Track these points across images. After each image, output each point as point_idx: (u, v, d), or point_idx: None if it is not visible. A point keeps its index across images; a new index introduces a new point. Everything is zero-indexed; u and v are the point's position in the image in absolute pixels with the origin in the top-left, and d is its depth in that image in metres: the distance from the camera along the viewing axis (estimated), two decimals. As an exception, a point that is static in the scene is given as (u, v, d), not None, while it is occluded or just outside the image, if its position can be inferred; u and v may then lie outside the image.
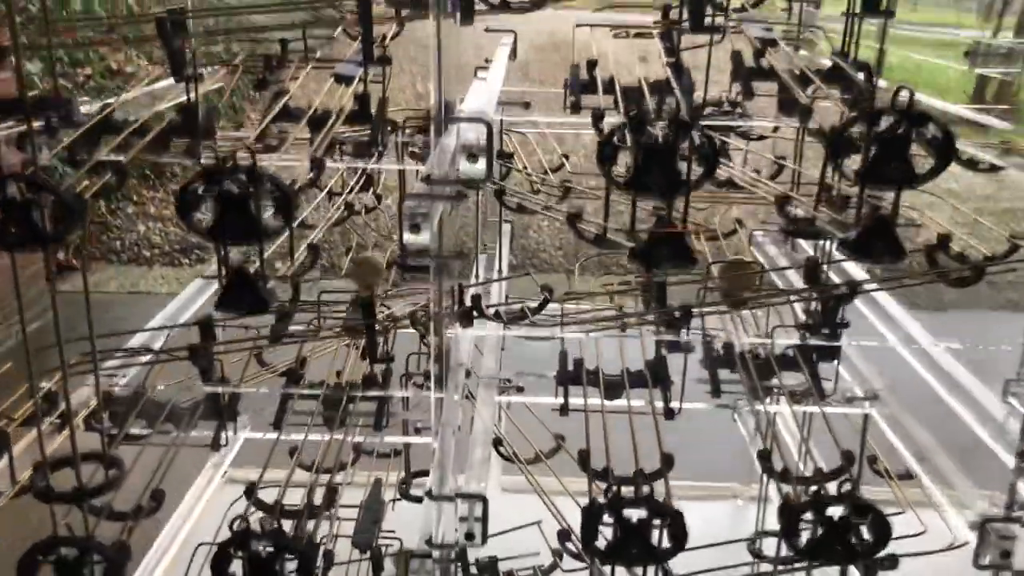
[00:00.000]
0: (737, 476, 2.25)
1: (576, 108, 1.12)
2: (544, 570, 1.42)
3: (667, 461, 1.11)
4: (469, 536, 1.01)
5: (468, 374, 1.37)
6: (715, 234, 1.69)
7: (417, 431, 1.50)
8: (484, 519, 1.02)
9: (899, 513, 1.38)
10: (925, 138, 0.85)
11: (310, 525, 1.09)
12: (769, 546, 1.39)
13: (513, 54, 1.38)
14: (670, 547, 1.02)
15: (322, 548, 1.09)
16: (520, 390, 1.38)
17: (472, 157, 0.85)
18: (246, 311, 0.92)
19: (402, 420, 1.47)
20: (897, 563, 1.31)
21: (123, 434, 1.21)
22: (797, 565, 1.33)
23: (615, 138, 0.88)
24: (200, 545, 1.65)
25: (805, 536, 1.03)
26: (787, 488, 1.06)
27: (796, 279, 1.52)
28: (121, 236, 4.80)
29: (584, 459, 1.11)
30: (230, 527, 1.03)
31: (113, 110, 1.17)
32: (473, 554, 1.38)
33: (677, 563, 1.11)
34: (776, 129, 1.54)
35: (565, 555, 1.32)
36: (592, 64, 1.12)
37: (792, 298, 1.34)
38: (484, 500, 1.01)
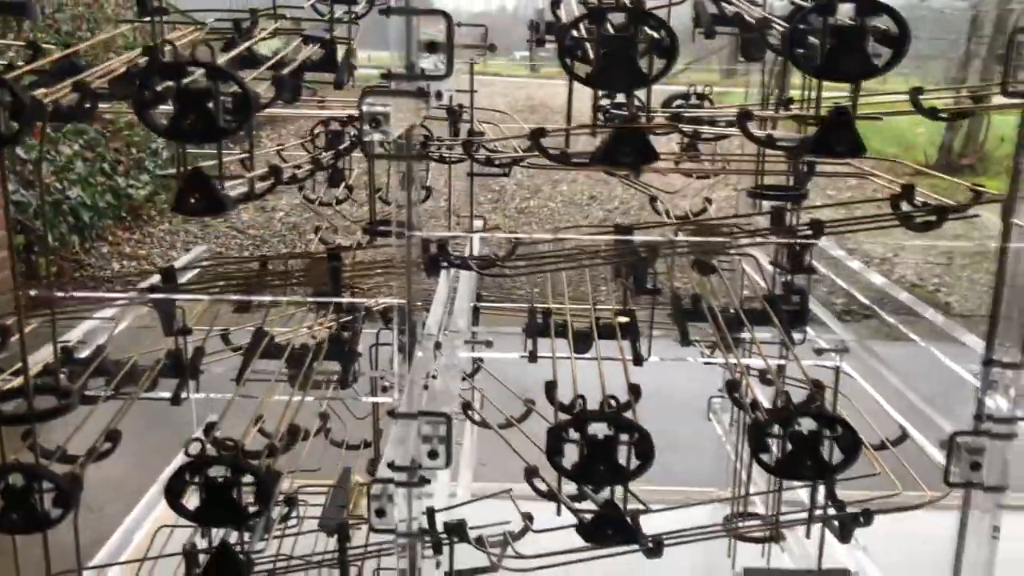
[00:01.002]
0: (717, 482, 2.24)
1: (541, 43, 1.13)
2: (515, 535, 1.38)
3: (634, 391, 1.10)
4: (432, 454, 0.99)
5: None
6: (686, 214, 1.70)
7: (384, 390, 1.47)
8: (448, 439, 1.00)
9: (875, 474, 1.37)
10: (880, 31, 0.86)
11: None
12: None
13: None
14: (637, 466, 1.00)
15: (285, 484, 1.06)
16: (489, 344, 1.37)
17: (431, 48, 0.85)
18: (202, 212, 0.91)
19: (370, 378, 1.45)
20: (872, 519, 1.29)
21: (84, 380, 1.18)
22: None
23: (575, 31, 0.89)
24: (161, 527, 1.61)
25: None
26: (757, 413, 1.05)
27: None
28: (94, 274, 4.77)
29: (550, 390, 1.09)
30: (186, 452, 1.00)
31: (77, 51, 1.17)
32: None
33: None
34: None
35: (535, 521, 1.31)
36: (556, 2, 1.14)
37: (758, 240, 1.34)
38: (448, 418, 0.99)
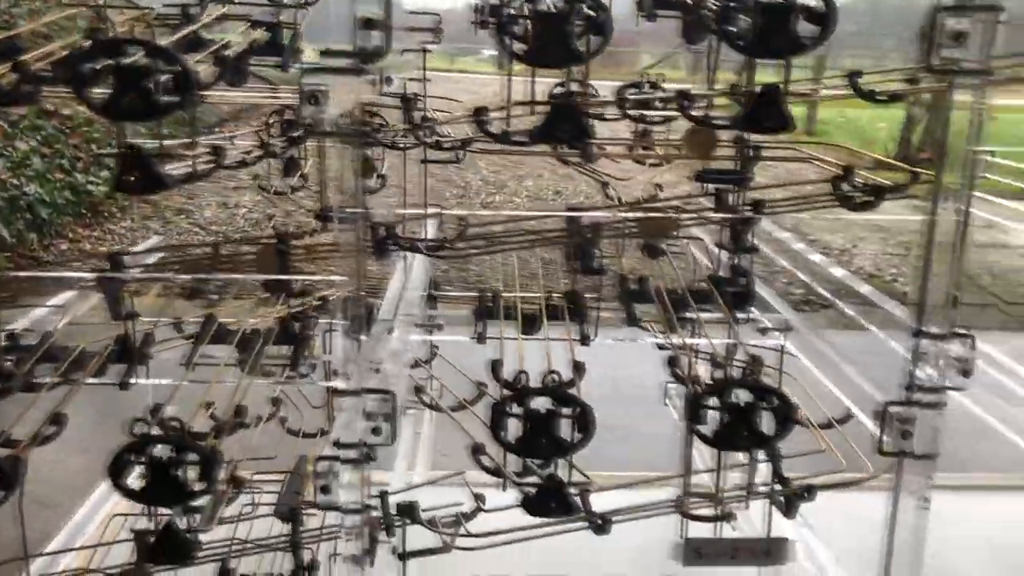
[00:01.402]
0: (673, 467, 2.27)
1: (484, 24, 1.15)
2: (467, 515, 1.40)
3: (578, 368, 1.12)
4: (376, 431, 1.00)
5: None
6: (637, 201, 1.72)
7: (335, 374, 1.48)
8: (393, 416, 1.01)
9: (820, 451, 1.40)
10: (808, 7, 0.88)
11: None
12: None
13: None
14: (578, 439, 1.02)
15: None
16: (440, 327, 1.38)
17: (369, 25, 0.86)
18: (140, 191, 0.92)
19: (322, 362, 1.45)
20: (815, 494, 1.32)
21: (29, 365, 1.18)
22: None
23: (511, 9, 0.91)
24: (115, 516, 1.61)
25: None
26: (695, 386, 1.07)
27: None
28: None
29: (495, 368, 1.11)
30: (131, 432, 1.00)
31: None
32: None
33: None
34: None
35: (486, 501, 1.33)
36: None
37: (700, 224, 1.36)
38: (392, 396, 1.00)
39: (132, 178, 0.90)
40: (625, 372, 3.15)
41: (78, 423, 1.22)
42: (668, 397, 2.13)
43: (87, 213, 5.14)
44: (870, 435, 1.33)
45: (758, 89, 0.93)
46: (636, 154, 1.77)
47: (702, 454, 1.86)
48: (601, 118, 1.50)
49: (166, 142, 1.07)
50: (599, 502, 1.24)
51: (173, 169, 1.00)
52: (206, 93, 1.37)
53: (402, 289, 1.53)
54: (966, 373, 0.99)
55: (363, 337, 1.24)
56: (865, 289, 1.59)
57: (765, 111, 0.91)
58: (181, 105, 0.89)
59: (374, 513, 1.43)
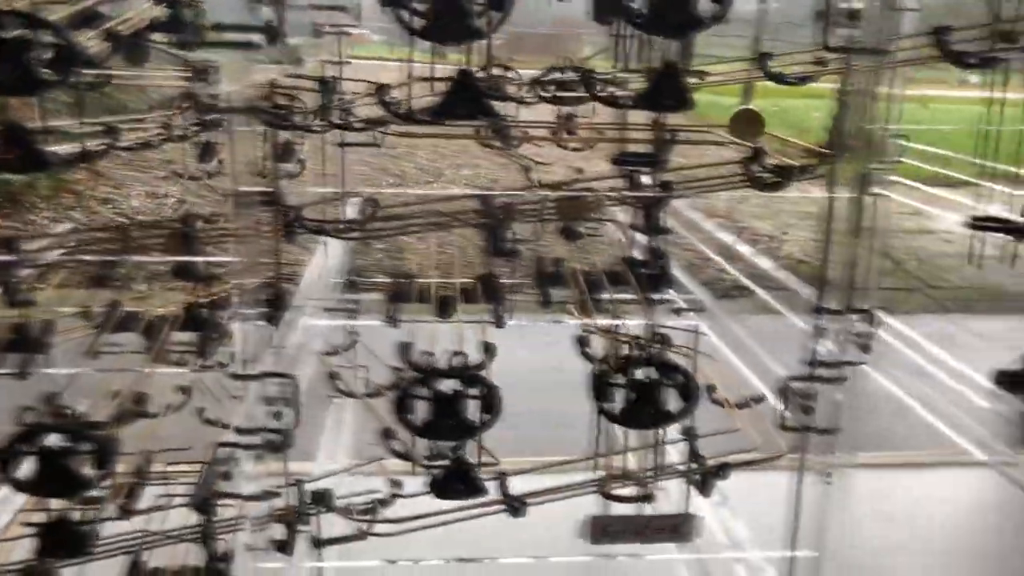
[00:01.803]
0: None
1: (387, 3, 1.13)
2: (383, 501, 1.38)
3: (488, 349, 1.11)
4: (277, 416, 0.98)
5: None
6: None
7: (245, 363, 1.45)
8: (295, 401, 0.99)
9: (736, 430, 1.42)
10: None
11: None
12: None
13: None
14: (484, 420, 1.01)
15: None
16: (353, 312, 1.36)
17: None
18: (20, 169, 0.88)
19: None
20: (728, 472, 1.34)
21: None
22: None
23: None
24: (23, 510, 1.56)
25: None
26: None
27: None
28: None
29: (404, 349, 1.09)
30: (21, 421, 0.97)
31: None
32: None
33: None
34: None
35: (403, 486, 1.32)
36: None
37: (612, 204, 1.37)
38: (294, 379, 0.98)
39: (11, 156, 0.86)
40: (550, 356, 3.16)
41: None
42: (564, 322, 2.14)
43: (5, 203, 4.97)
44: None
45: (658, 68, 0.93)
46: (558, 138, 1.77)
47: (628, 437, 1.88)
48: (521, 101, 1.50)
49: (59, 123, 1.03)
50: (522, 487, 1.24)
51: (63, 149, 0.97)
52: (115, 73, 1.34)
53: (319, 275, 1.51)
54: (866, 348, 1.01)
55: (263, 323, 1.21)
56: (782, 274, 1.61)
57: (664, 89, 0.91)
58: (64, 81, 0.86)
59: (291, 502, 1.42)
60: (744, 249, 1.76)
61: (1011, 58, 1.01)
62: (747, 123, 1.45)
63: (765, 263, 1.33)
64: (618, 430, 1.77)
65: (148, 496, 1.46)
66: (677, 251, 1.63)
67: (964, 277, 4.58)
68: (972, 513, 2.14)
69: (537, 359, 3.17)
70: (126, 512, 1.32)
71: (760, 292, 1.32)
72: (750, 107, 1.48)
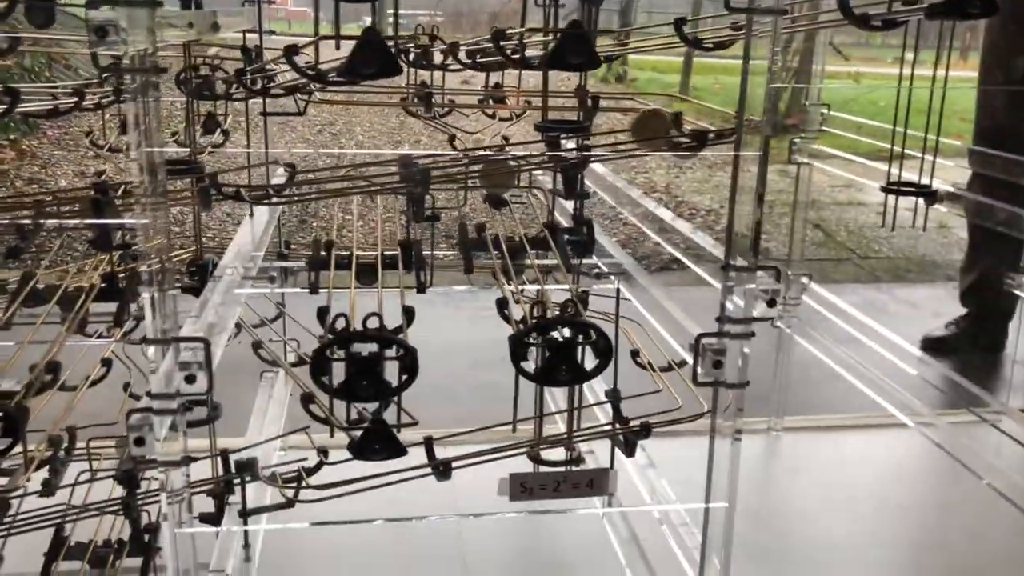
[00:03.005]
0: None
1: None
2: (309, 469, 1.38)
3: (407, 313, 1.12)
4: (190, 379, 0.97)
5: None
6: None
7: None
8: (208, 365, 0.98)
9: (658, 391, 1.45)
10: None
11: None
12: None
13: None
14: (402, 381, 1.02)
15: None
16: (272, 280, 1.35)
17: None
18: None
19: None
20: (650, 432, 1.36)
21: None
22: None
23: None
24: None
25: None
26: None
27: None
28: None
29: (322, 314, 1.09)
30: (-77, 389, 0.95)
31: None
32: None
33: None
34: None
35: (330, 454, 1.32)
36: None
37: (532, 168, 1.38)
38: (206, 343, 0.98)
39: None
40: (475, 327, 3.18)
41: None
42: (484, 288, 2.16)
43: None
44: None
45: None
46: (485, 107, 1.78)
47: (555, 402, 1.90)
48: (445, 68, 1.50)
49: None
50: (450, 454, 1.25)
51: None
52: (21, 35, 1.30)
53: (244, 245, 1.49)
54: (772, 303, 1.04)
55: (172, 291, 1.20)
56: (703, 240, 1.64)
57: (572, 48, 0.92)
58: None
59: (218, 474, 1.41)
60: (681, 225, 1.79)
61: (911, 19, 1.04)
62: (653, 125, 1.45)
63: (685, 228, 1.35)
64: (548, 399, 1.80)
65: (72, 472, 1.45)
66: (616, 226, 1.66)
67: (894, 247, 4.71)
68: (891, 471, 2.22)
69: (461, 330, 3.20)
70: (48, 488, 1.31)
71: (679, 255, 1.35)
72: (656, 108, 1.49)
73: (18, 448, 1.06)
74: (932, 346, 2.99)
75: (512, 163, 1.38)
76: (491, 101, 1.77)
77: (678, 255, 1.28)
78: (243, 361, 1.86)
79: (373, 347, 1.03)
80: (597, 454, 1.72)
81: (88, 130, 1.82)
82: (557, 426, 1.80)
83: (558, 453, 1.66)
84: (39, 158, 5.42)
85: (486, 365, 3.02)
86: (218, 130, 1.81)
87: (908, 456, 2.30)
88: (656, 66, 11.12)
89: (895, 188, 1.63)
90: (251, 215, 1.64)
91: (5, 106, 1.00)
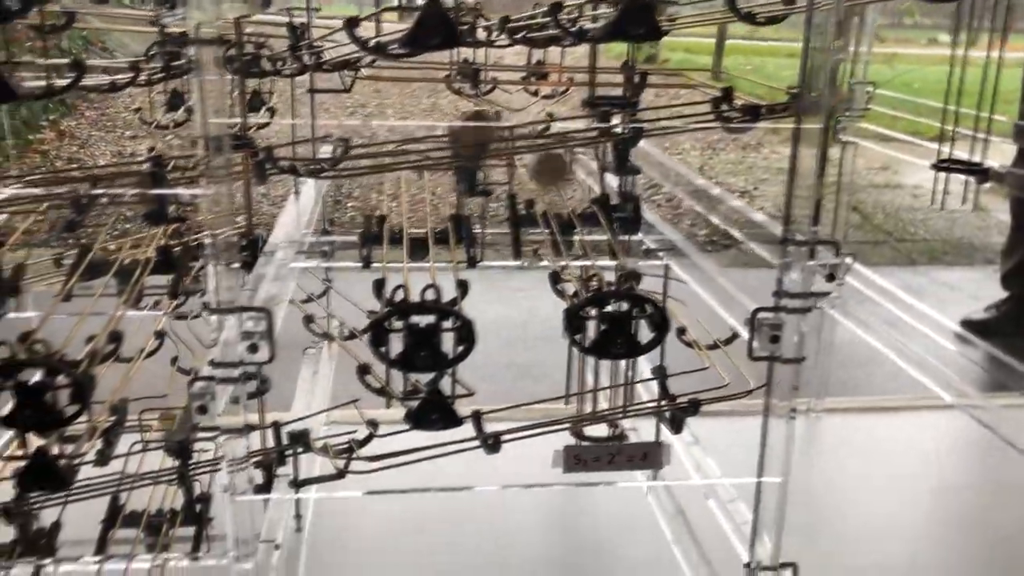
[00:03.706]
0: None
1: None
2: (360, 441, 1.40)
3: (461, 286, 1.12)
4: (253, 348, 0.99)
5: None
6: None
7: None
8: (270, 334, 1.00)
9: (705, 368, 1.45)
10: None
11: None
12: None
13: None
14: (459, 353, 1.03)
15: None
16: (325, 254, 1.37)
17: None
18: None
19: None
20: (698, 408, 1.36)
21: None
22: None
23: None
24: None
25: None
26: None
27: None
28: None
29: (378, 286, 1.10)
30: (-5, 357, 0.97)
31: None
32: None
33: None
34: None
35: (379, 426, 1.34)
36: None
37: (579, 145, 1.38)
38: (269, 313, 0.99)
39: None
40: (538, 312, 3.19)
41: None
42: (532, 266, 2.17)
43: None
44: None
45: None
46: (528, 83, 1.78)
47: (599, 378, 1.91)
48: (491, 44, 1.50)
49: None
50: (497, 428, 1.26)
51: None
52: (79, 11, 1.32)
53: (292, 220, 1.51)
54: (831, 277, 1.03)
55: (235, 264, 1.22)
56: (759, 217, 1.63)
57: (632, 20, 0.92)
58: (25, 9, 0.85)
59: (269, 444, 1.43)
60: (734, 203, 1.78)
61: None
62: (549, 169, 1.43)
63: (738, 204, 1.35)
64: (590, 375, 1.80)
65: (124, 444, 1.48)
66: (649, 208, 1.65)
67: (932, 230, 4.65)
68: (934, 452, 2.21)
69: (497, 310, 3.21)
70: (103, 458, 1.33)
71: (734, 232, 1.34)
72: (553, 153, 1.48)
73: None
74: (973, 329, 2.96)
75: (562, 138, 1.38)
76: (534, 78, 1.77)
77: (734, 232, 1.28)
78: (284, 338, 1.89)
79: (430, 319, 1.04)
80: (640, 432, 1.73)
81: (137, 107, 1.84)
82: (599, 404, 1.80)
83: (598, 430, 1.67)
84: (78, 139, 5.48)
85: (521, 344, 3.03)
86: (263, 108, 1.83)
87: (951, 437, 2.28)
88: (689, 47, 11.04)
89: (946, 166, 1.60)
90: (296, 193, 1.66)
91: (72, 79, 1.02)
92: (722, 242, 4.00)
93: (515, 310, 3.25)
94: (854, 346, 2.21)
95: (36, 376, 0.97)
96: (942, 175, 1.71)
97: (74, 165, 5.05)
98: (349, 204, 4.52)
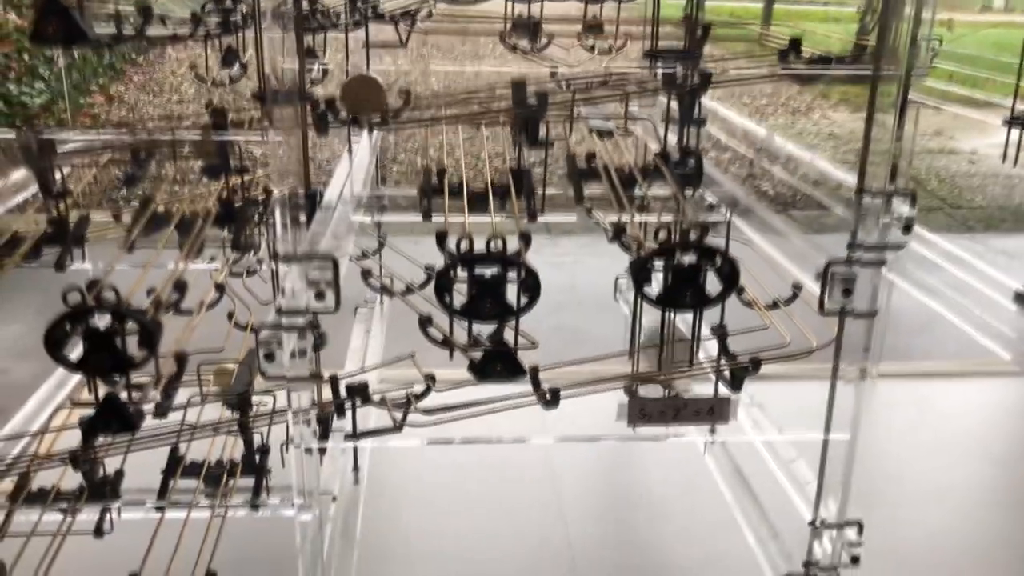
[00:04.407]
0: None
1: None
2: (417, 395, 1.40)
3: (525, 238, 1.11)
4: (319, 296, 0.98)
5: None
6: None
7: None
8: (335, 282, 0.99)
9: (765, 328, 1.42)
10: None
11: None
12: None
13: None
14: (525, 302, 1.02)
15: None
16: (383, 208, 1.36)
17: None
18: (62, 42, 0.87)
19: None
20: (759, 366, 1.34)
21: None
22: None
23: None
24: (65, 408, 1.59)
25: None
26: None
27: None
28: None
29: (440, 238, 1.09)
30: (65, 301, 0.97)
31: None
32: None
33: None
34: None
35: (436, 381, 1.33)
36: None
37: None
38: (334, 261, 0.99)
39: (50, 28, 0.85)
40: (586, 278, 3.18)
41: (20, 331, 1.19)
42: (619, 291, 2.14)
43: (21, 126, 4.96)
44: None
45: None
46: (584, 42, 1.75)
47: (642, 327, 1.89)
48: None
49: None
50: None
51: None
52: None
53: (349, 173, 1.50)
54: (908, 228, 1.00)
55: (301, 217, 1.21)
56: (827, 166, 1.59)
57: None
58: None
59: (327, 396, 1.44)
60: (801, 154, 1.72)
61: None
62: (361, 92, 1.38)
63: (806, 156, 1.31)
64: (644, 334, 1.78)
65: (181, 398, 1.49)
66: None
67: (989, 196, 4.54)
68: (990, 419, 2.16)
69: (553, 275, 3.19)
70: (161, 410, 1.35)
71: (801, 185, 1.31)
72: (365, 74, 1.42)
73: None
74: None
75: (615, 84, 1.36)
76: (589, 35, 1.74)
77: (803, 186, 1.24)
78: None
79: (494, 269, 1.02)
80: (695, 392, 1.71)
81: (192, 64, 1.84)
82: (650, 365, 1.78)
83: (652, 392, 1.65)
84: (126, 103, 5.54)
85: (566, 309, 3.02)
86: (316, 64, 1.82)
87: (1010, 404, 2.23)
88: (734, 12, 10.86)
89: (1021, 122, 1.55)
90: (349, 151, 1.65)
91: (138, 28, 1.01)
92: (785, 202, 3.93)
93: (563, 275, 3.23)
94: (909, 314, 2.16)
95: (105, 322, 0.98)
96: (1014, 134, 1.66)
97: (127, 123, 5.10)
98: (394, 169, 4.52)
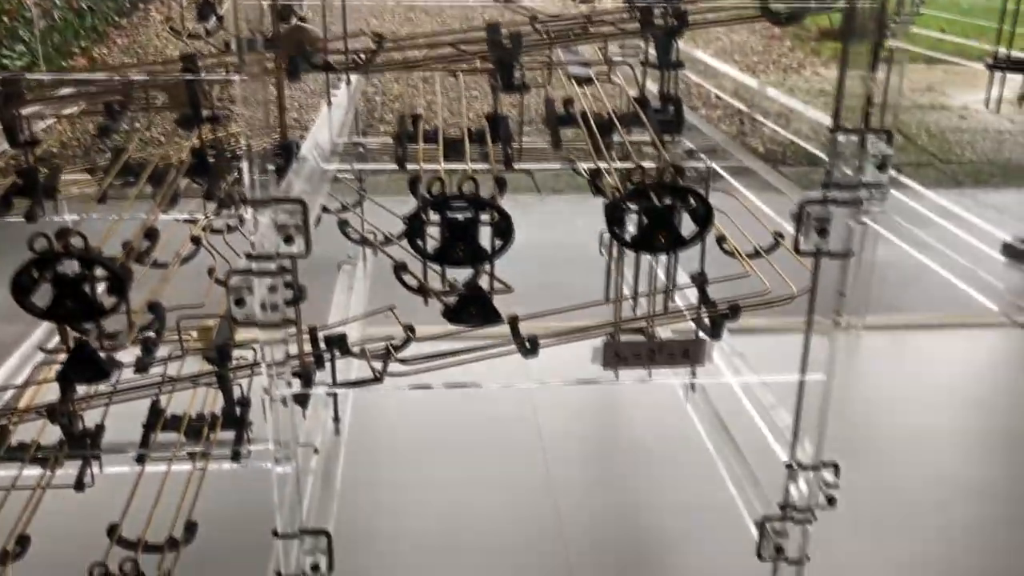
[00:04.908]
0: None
1: None
2: (397, 346, 1.40)
3: (499, 183, 1.10)
4: (288, 240, 0.97)
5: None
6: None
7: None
8: (306, 227, 0.98)
9: (746, 275, 1.41)
10: None
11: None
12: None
13: None
14: (500, 246, 1.01)
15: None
16: (361, 156, 1.34)
17: None
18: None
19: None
20: (739, 313, 1.34)
21: None
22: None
23: None
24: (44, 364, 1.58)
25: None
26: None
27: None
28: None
29: (413, 183, 1.08)
30: (31, 248, 0.96)
31: None
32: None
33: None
34: None
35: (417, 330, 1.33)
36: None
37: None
38: (303, 204, 0.98)
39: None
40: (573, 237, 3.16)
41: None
42: (604, 245, 2.13)
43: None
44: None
45: None
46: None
47: (637, 285, 1.88)
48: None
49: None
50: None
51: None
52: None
53: (327, 123, 1.48)
54: (882, 167, 0.99)
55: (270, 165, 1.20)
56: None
57: None
58: None
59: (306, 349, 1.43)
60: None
61: None
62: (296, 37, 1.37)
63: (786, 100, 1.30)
64: (626, 290, 1.78)
65: (163, 352, 1.49)
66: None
67: (979, 151, 4.52)
68: (972, 369, 2.17)
69: (526, 235, 3.18)
70: (142, 364, 1.34)
71: (777, 128, 1.30)
72: (300, 24, 1.42)
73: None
74: (1012, 252, 2.89)
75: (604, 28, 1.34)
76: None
77: (779, 129, 1.23)
78: (319, 257, 1.89)
79: (468, 213, 1.01)
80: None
81: (167, 17, 1.81)
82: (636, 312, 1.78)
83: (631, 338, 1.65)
84: (109, 66, 5.46)
85: (550, 266, 3.01)
86: (292, 17, 1.79)
87: (996, 355, 2.24)
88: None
89: (1004, 65, 1.54)
90: (328, 103, 1.63)
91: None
92: (776, 159, 3.91)
93: (549, 233, 3.22)
94: (898, 267, 2.16)
95: (74, 269, 0.97)
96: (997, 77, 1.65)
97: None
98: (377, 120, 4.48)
